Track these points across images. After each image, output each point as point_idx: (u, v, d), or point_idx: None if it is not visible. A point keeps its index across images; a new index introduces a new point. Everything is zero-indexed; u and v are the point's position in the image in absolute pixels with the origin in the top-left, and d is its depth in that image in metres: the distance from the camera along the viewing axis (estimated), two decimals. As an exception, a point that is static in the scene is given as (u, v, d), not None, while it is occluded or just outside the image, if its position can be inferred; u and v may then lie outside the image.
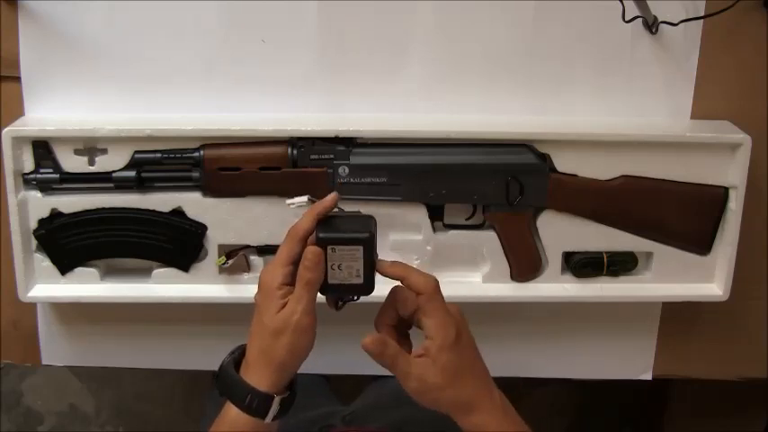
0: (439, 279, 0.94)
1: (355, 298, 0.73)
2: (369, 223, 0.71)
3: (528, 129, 0.90)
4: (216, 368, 0.73)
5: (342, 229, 0.70)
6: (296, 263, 0.69)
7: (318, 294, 0.70)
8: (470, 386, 0.69)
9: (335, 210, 0.72)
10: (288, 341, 0.68)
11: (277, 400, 0.69)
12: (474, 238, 0.94)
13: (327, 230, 0.70)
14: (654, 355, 1.04)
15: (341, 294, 0.72)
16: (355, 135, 0.88)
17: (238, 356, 0.72)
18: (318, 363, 1.00)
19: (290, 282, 0.69)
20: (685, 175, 0.91)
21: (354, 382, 1.10)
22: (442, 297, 0.70)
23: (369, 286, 0.71)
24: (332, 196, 0.71)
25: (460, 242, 0.94)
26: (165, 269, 0.92)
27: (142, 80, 0.92)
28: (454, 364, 0.68)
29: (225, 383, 0.70)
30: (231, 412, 0.69)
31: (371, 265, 0.70)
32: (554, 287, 0.95)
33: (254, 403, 0.68)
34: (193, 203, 0.90)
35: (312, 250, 0.68)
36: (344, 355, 1.00)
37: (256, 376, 0.69)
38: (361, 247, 0.69)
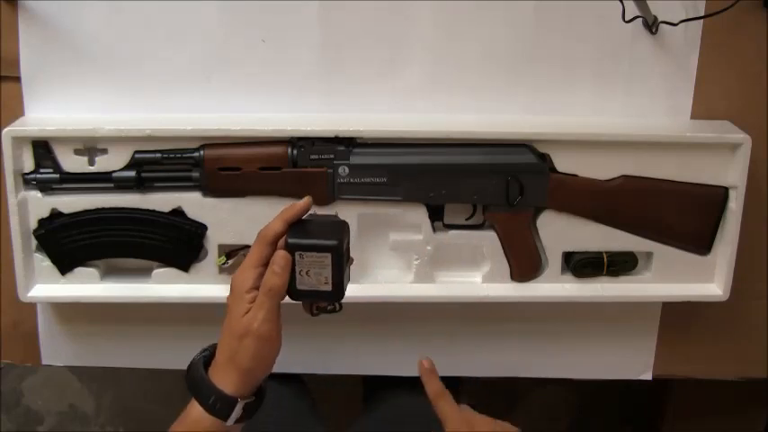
0: (439, 279, 0.95)
1: (335, 308, 0.72)
2: (339, 230, 0.70)
3: (528, 129, 0.90)
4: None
5: (311, 235, 0.69)
6: (266, 265, 0.69)
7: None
8: None
9: (311, 213, 0.71)
10: (251, 347, 0.68)
11: (240, 404, 0.69)
12: (474, 238, 0.94)
13: (297, 236, 0.69)
14: (654, 355, 1.04)
15: (310, 300, 0.71)
16: (355, 135, 0.88)
17: (209, 355, 0.72)
18: (318, 363, 1.01)
19: (260, 285, 0.69)
20: (685, 175, 0.91)
21: (344, 413, 1.10)
22: None
23: (337, 294, 0.70)
24: (304, 201, 0.71)
25: (460, 242, 0.94)
26: (165, 269, 0.92)
27: (142, 80, 0.92)
28: None
29: (192, 380, 0.70)
30: (195, 410, 0.69)
31: (341, 272, 0.69)
32: (554, 287, 0.95)
33: (218, 405, 0.68)
34: (193, 203, 0.90)
35: (281, 255, 0.68)
36: (344, 355, 1.01)
37: (222, 378, 0.69)
38: (329, 255, 0.68)
